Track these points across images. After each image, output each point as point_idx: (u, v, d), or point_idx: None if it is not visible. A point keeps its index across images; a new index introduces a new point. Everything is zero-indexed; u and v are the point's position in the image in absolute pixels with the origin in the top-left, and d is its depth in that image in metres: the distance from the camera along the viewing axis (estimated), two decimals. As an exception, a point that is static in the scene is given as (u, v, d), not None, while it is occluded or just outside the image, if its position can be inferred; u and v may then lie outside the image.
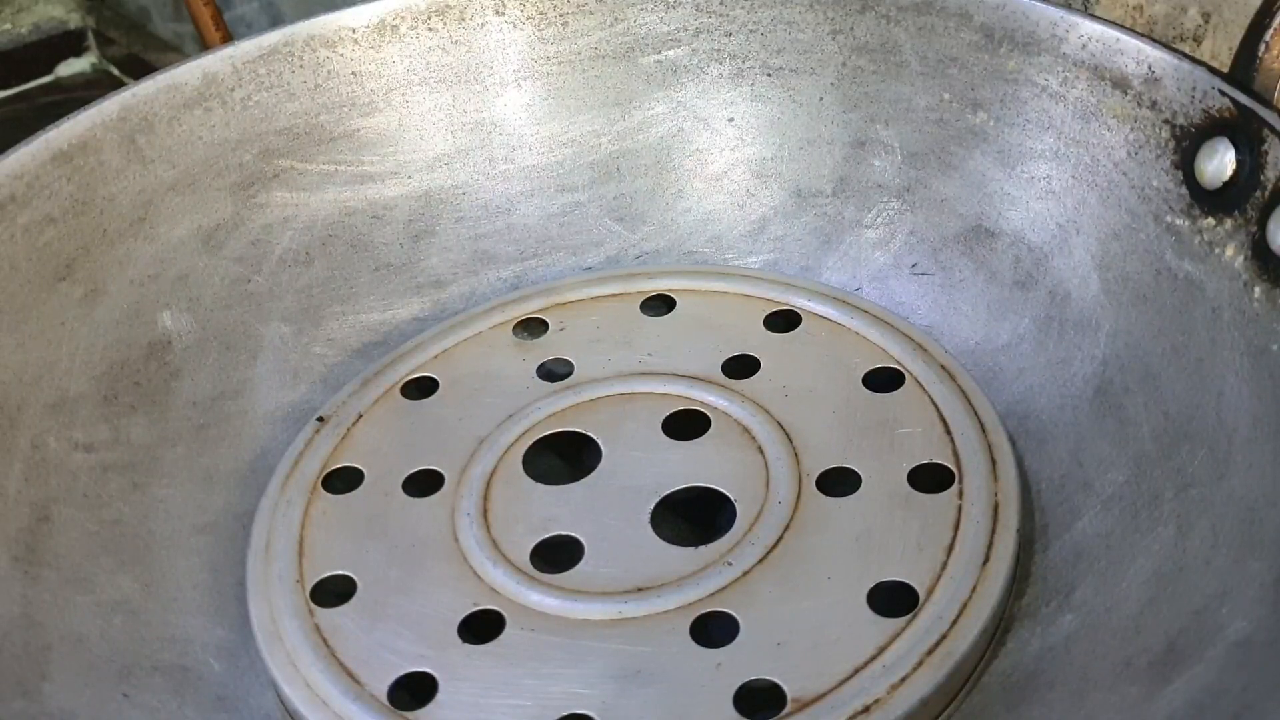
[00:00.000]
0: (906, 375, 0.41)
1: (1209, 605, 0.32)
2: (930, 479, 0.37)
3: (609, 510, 0.37)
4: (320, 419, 0.42)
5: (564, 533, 0.37)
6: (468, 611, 0.35)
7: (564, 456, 0.42)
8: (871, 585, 0.34)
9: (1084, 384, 0.39)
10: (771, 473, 0.38)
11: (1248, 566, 0.32)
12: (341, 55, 0.48)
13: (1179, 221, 0.38)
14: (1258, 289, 0.35)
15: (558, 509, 0.37)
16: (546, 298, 0.46)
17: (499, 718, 0.32)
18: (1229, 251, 0.36)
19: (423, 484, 0.39)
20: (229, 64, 0.46)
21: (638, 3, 0.49)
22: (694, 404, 0.40)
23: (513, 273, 0.49)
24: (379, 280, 0.48)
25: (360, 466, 0.40)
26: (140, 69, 1.00)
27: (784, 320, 0.44)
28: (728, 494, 0.37)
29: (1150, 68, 0.39)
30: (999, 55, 0.43)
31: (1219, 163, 0.37)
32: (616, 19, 0.49)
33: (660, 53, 0.49)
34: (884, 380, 0.41)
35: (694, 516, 0.39)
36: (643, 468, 0.38)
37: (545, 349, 0.44)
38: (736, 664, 0.33)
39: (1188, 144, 0.38)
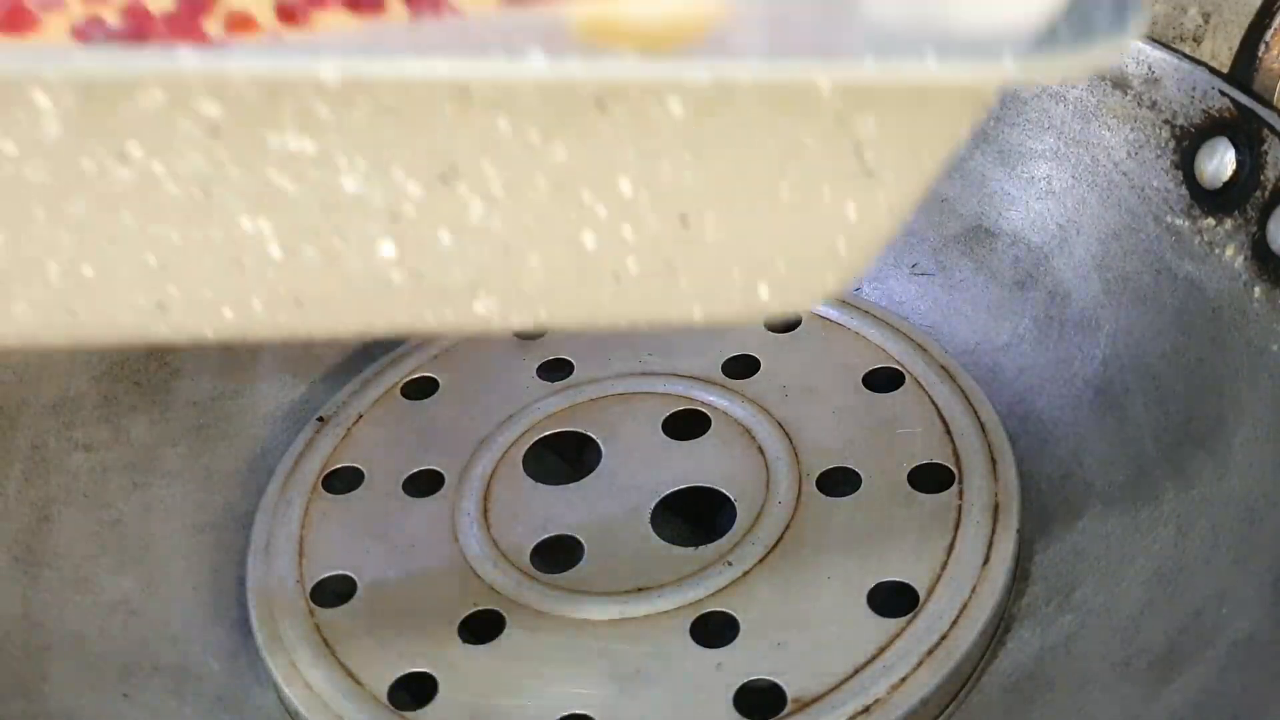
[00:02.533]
0: (906, 375, 0.40)
1: (1209, 605, 0.32)
2: (930, 479, 0.37)
3: (609, 510, 0.37)
4: (320, 419, 0.42)
5: (564, 532, 0.37)
6: (468, 611, 0.35)
7: (564, 456, 0.42)
8: (871, 585, 0.34)
9: (1084, 384, 0.39)
10: (771, 473, 0.37)
11: (1248, 566, 0.32)
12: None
13: (1179, 222, 0.38)
14: (1258, 289, 0.35)
15: (558, 509, 0.37)
16: (547, 298, 0.46)
17: (499, 718, 0.32)
18: (1229, 252, 0.36)
19: (423, 484, 0.39)
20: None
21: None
22: (694, 404, 0.40)
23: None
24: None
25: (360, 466, 0.40)
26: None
27: (784, 320, 0.44)
28: (728, 494, 0.37)
29: (1150, 68, 0.39)
30: (999, 55, 0.43)
31: (1219, 163, 0.37)
32: None
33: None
34: (884, 380, 0.41)
35: (694, 516, 0.39)
36: (643, 468, 0.38)
37: (545, 349, 0.44)
38: (736, 664, 0.33)
39: (1188, 144, 0.38)
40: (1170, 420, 0.36)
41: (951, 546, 0.34)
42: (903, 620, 0.33)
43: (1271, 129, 0.35)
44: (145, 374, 0.42)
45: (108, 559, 0.38)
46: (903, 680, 0.32)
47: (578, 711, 0.32)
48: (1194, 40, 0.47)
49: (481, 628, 0.35)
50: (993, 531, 0.35)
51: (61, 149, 0.20)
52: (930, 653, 0.32)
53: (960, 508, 0.35)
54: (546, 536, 0.37)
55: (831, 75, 0.20)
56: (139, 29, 0.26)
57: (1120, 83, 0.39)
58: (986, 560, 0.34)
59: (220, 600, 0.38)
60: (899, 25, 0.22)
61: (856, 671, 0.32)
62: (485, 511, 0.38)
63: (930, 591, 0.33)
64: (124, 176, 0.20)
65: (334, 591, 0.37)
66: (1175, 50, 0.39)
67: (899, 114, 0.22)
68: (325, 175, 0.20)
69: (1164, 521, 0.34)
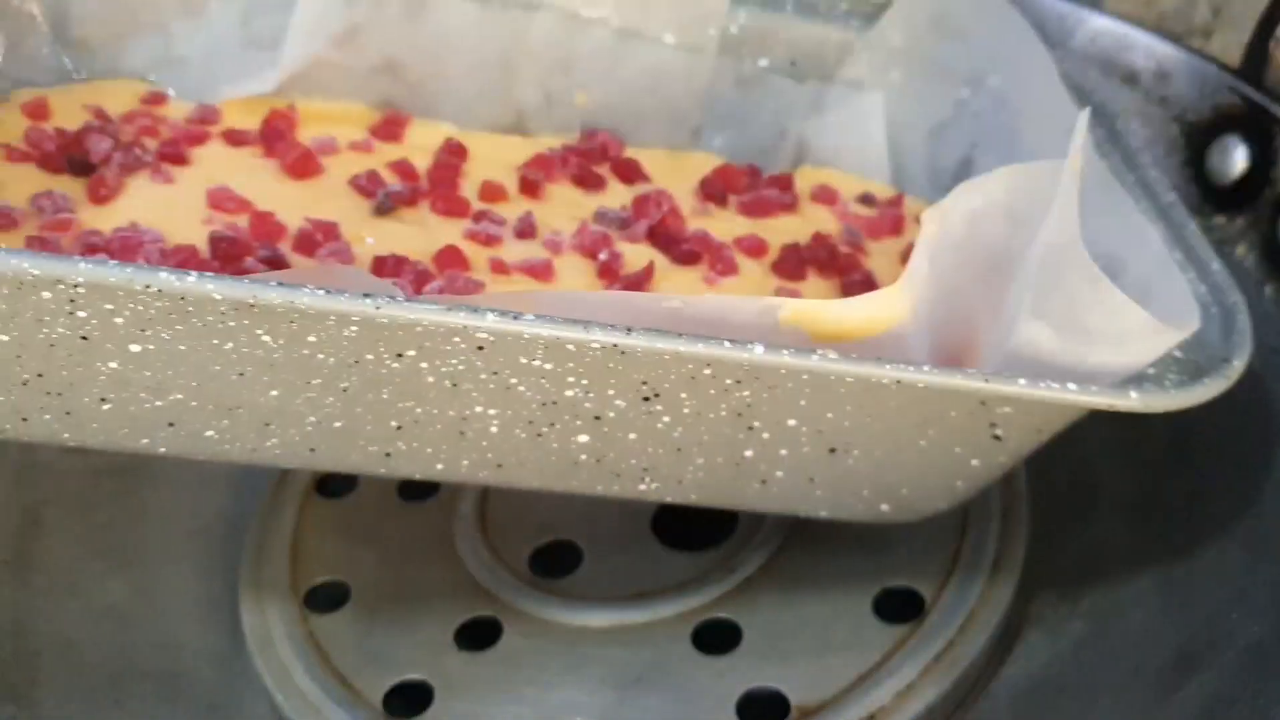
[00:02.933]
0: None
1: (1220, 611, 0.32)
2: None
3: (609, 515, 0.37)
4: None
5: (563, 538, 0.36)
6: (464, 618, 0.35)
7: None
8: (877, 591, 0.33)
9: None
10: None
11: (1258, 571, 0.32)
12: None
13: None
14: (1268, 288, 0.35)
15: (557, 513, 0.37)
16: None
17: (496, 727, 0.32)
18: (1240, 250, 0.36)
19: (418, 488, 0.39)
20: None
21: None
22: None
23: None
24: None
25: (355, 470, 0.40)
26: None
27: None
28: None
29: (1160, 63, 0.39)
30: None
31: (1230, 160, 0.36)
32: None
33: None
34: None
35: (696, 521, 0.39)
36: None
37: None
38: (739, 671, 0.32)
39: (1198, 141, 0.37)
40: (1180, 423, 0.36)
41: (958, 551, 0.34)
42: (908, 627, 0.32)
43: (1284, 125, 0.35)
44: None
45: (99, 564, 0.38)
46: (908, 688, 0.31)
47: (577, 720, 0.32)
48: (1203, 34, 0.46)
49: (478, 635, 0.34)
50: (1001, 536, 0.34)
51: (352, 346, 0.25)
52: (936, 660, 0.32)
53: (968, 512, 0.35)
54: (545, 542, 0.36)
55: (991, 389, 0.25)
56: (411, 196, 0.34)
57: (1130, 78, 0.39)
58: (994, 566, 0.34)
59: (212, 606, 0.37)
60: (1043, 347, 0.26)
61: (861, 679, 0.32)
62: (482, 516, 0.37)
63: (936, 597, 0.33)
64: (394, 367, 0.25)
65: (328, 597, 0.36)
66: (1185, 45, 0.39)
67: (1033, 407, 0.27)
68: (554, 385, 0.26)
69: (1174, 526, 0.34)
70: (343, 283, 0.24)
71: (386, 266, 0.32)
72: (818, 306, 0.26)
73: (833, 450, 0.27)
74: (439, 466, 0.28)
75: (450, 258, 0.33)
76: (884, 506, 0.30)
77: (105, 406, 0.27)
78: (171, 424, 0.27)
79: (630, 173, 0.38)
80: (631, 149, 0.39)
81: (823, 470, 0.28)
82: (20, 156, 0.35)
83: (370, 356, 0.25)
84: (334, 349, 0.25)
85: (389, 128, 0.38)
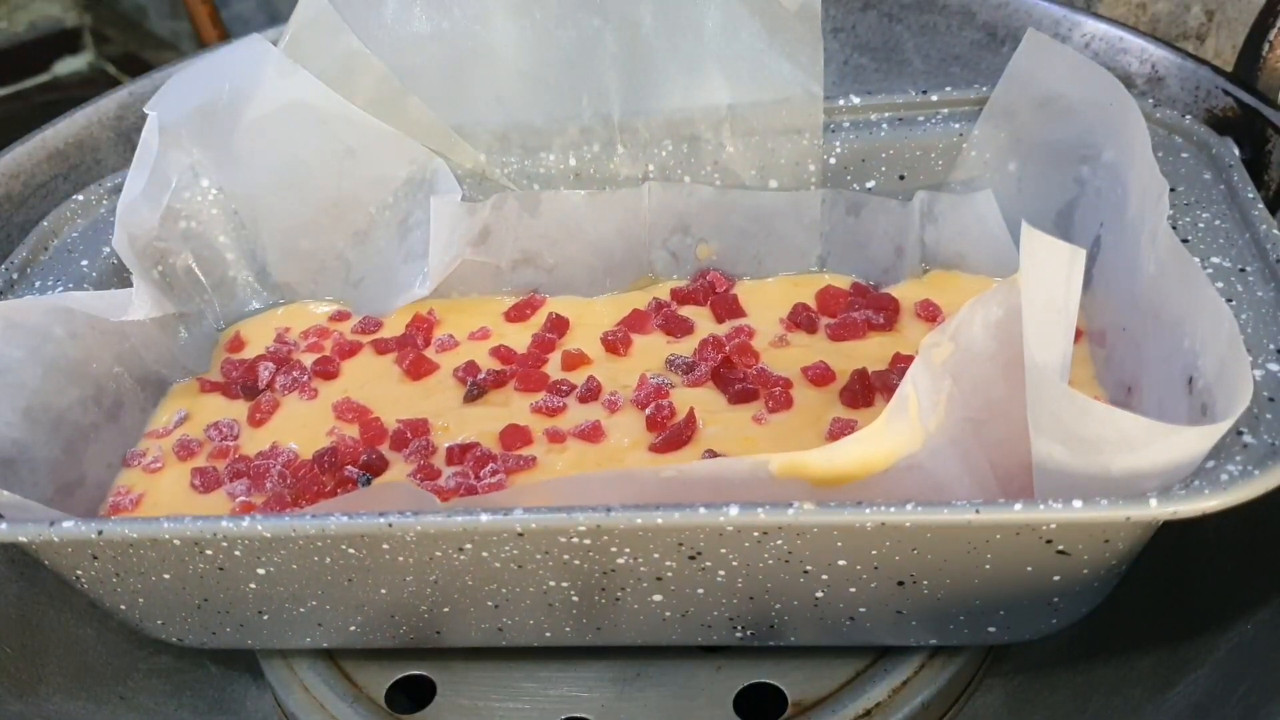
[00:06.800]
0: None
1: (1212, 608, 0.32)
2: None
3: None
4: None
5: None
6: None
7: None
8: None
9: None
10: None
11: (1251, 570, 0.32)
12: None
13: (1183, 221, 0.37)
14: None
15: None
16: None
17: (498, 721, 0.33)
18: (1233, 252, 0.36)
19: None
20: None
21: None
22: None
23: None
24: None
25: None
26: (137, 67, 1.00)
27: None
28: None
29: (1154, 67, 0.39)
30: (1002, 54, 0.43)
31: None
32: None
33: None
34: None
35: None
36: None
37: None
38: (737, 667, 0.33)
39: (1192, 143, 0.37)
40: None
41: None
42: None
43: (1276, 129, 0.35)
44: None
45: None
46: (904, 684, 0.32)
47: (576, 715, 0.32)
48: (1197, 38, 0.47)
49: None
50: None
51: (419, 547, 0.28)
52: (932, 656, 0.32)
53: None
54: None
55: (978, 518, 0.25)
56: (500, 378, 0.38)
57: (1125, 82, 0.39)
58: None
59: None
60: (1060, 461, 0.26)
61: (858, 675, 0.32)
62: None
63: (933, 594, 0.33)
64: (462, 558, 0.28)
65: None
66: (1179, 49, 0.39)
67: (1078, 521, 0.25)
68: (601, 555, 0.28)
69: (1168, 524, 0.34)
70: (381, 502, 0.28)
71: (454, 455, 0.35)
72: (803, 457, 0.26)
73: (901, 583, 0.28)
74: (548, 634, 0.31)
75: (512, 436, 0.36)
76: (991, 629, 0.30)
77: (265, 617, 0.31)
78: (320, 624, 0.32)
79: (725, 310, 0.39)
80: (754, 280, 0.41)
81: (904, 602, 0.29)
82: (211, 387, 0.40)
83: (439, 554, 0.28)
84: (405, 551, 0.28)
85: (518, 310, 0.41)
